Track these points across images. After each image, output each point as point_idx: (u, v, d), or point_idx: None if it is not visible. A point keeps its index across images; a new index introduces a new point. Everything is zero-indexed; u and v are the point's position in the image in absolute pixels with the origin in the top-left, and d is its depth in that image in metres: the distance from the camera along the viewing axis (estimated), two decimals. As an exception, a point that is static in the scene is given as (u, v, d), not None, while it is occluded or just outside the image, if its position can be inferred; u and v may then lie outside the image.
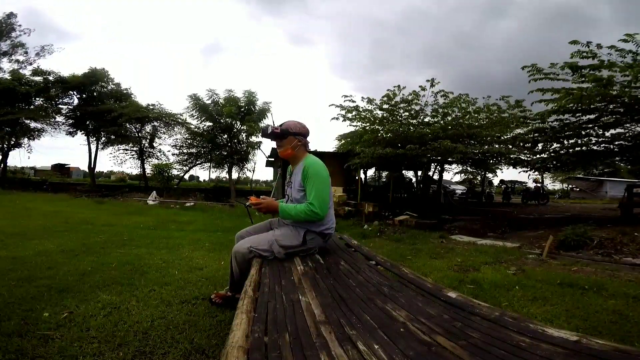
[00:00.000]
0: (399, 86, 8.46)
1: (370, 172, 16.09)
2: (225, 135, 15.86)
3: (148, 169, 18.79)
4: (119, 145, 18.79)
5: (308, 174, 1.89)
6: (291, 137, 1.98)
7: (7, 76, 17.05)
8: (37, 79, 17.02)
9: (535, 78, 6.79)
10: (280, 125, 1.99)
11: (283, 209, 1.90)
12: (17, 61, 18.15)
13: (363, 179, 14.32)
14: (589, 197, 23.70)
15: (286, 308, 1.18)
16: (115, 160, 19.60)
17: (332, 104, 8.99)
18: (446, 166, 12.19)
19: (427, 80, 8.29)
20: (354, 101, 8.96)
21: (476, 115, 8.63)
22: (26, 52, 18.33)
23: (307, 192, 1.91)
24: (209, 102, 15.36)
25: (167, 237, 4.99)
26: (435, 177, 12.31)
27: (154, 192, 12.73)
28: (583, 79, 6.37)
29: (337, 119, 9.01)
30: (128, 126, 17.39)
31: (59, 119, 18.05)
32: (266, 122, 15.55)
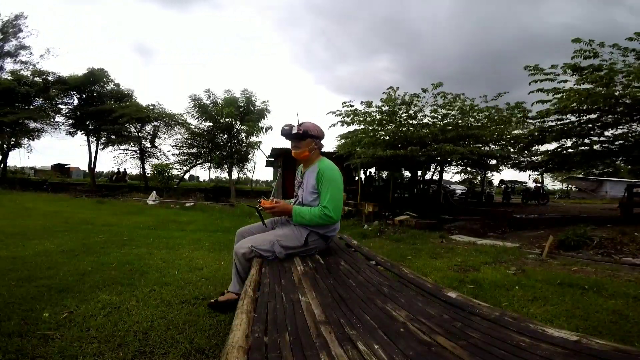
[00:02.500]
0: (392, 87, 8.51)
1: (370, 172, 16.08)
2: (225, 135, 15.87)
3: (148, 169, 18.80)
4: (119, 145, 18.80)
5: (324, 178, 1.89)
6: (310, 139, 1.98)
7: (7, 76, 17.05)
8: (37, 79, 17.02)
9: (535, 80, 6.78)
10: (300, 125, 1.97)
11: (297, 212, 1.90)
12: (21, 62, 18.17)
13: (363, 179, 14.32)
14: (589, 197, 23.71)
15: (286, 308, 1.18)
16: (116, 161, 19.65)
17: (331, 112, 9.10)
18: (446, 166, 12.20)
19: (432, 84, 8.30)
20: (352, 105, 9.01)
21: (475, 115, 8.62)
22: (31, 54, 18.36)
23: (321, 195, 1.90)
24: (208, 102, 15.37)
25: (167, 237, 4.99)
26: (435, 177, 12.31)
27: (154, 192, 12.71)
28: (583, 79, 6.37)
29: (335, 125, 9.05)
30: (128, 126, 17.39)
31: (59, 119, 18.09)
32: (265, 120, 15.57)
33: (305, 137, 1.96)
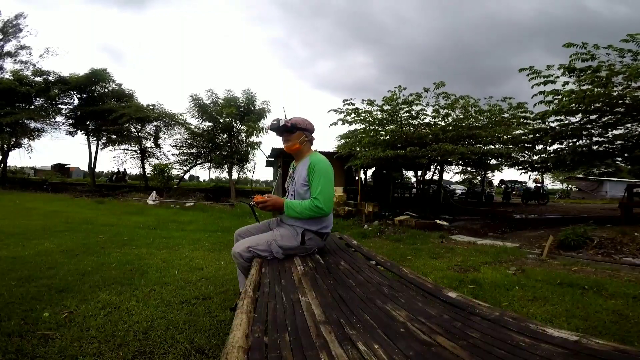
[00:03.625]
0: (399, 87, 8.47)
1: (371, 172, 16.11)
2: (225, 135, 15.88)
3: (148, 169, 18.80)
4: (119, 145, 18.80)
5: (315, 170, 1.90)
6: (299, 132, 2.01)
7: (8, 76, 17.03)
8: (38, 79, 17.01)
9: (537, 83, 6.78)
10: (289, 120, 2.01)
11: (288, 205, 1.90)
12: (21, 61, 18.15)
13: (363, 179, 14.33)
14: (589, 197, 23.72)
15: (286, 308, 1.18)
16: (116, 161, 19.65)
17: (332, 110, 9.08)
18: (446, 166, 12.20)
19: (434, 83, 8.30)
20: (353, 104, 8.99)
21: (477, 115, 8.63)
22: (30, 54, 18.33)
23: (312, 187, 1.91)
24: (209, 102, 15.37)
25: (167, 237, 5.00)
26: (435, 177, 12.32)
27: (154, 192, 12.71)
28: (581, 80, 6.38)
29: (336, 123, 9.05)
30: (128, 126, 17.37)
31: (59, 119, 18.04)
32: (266, 120, 15.62)
33: (294, 130, 2.00)
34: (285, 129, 1.99)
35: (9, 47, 17.95)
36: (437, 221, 7.23)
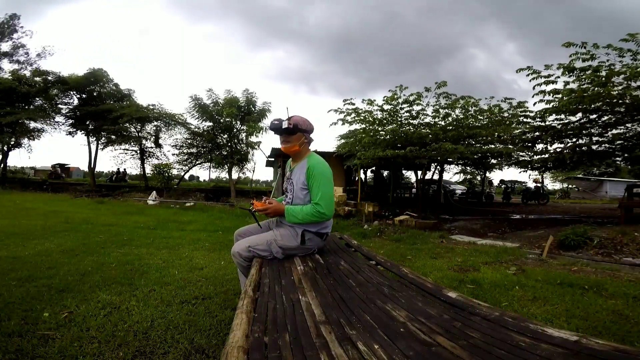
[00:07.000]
0: (400, 86, 8.47)
1: (371, 172, 16.11)
2: (225, 135, 15.88)
3: (148, 169, 18.81)
4: (119, 145, 18.80)
5: (314, 174, 1.87)
6: (300, 133, 1.96)
7: (7, 76, 17.03)
8: (37, 79, 17.01)
9: (538, 83, 6.77)
10: (289, 119, 1.94)
11: (289, 212, 1.88)
12: (18, 61, 18.16)
13: (363, 179, 14.33)
14: (589, 197, 23.73)
15: (286, 308, 1.18)
16: (116, 160, 19.66)
17: (332, 109, 9.07)
18: (446, 166, 12.22)
19: (435, 83, 8.30)
20: (353, 103, 8.99)
21: (477, 115, 8.64)
22: (27, 53, 18.34)
23: (312, 191, 1.89)
24: (209, 102, 15.38)
25: (167, 237, 5.00)
26: (435, 177, 12.33)
27: (154, 192, 12.71)
28: (581, 80, 6.38)
29: (336, 123, 9.04)
30: (128, 126, 17.38)
31: (59, 119, 18.06)
32: (266, 120, 15.60)
33: (295, 131, 1.93)
34: (286, 131, 1.93)
35: (6, 47, 18.00)
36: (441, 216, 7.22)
